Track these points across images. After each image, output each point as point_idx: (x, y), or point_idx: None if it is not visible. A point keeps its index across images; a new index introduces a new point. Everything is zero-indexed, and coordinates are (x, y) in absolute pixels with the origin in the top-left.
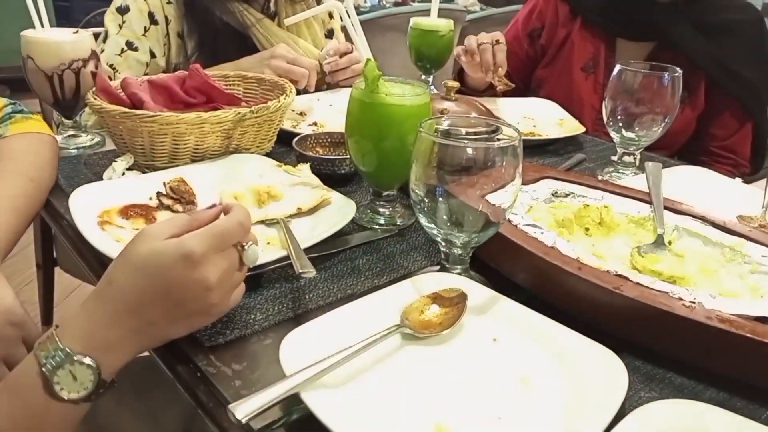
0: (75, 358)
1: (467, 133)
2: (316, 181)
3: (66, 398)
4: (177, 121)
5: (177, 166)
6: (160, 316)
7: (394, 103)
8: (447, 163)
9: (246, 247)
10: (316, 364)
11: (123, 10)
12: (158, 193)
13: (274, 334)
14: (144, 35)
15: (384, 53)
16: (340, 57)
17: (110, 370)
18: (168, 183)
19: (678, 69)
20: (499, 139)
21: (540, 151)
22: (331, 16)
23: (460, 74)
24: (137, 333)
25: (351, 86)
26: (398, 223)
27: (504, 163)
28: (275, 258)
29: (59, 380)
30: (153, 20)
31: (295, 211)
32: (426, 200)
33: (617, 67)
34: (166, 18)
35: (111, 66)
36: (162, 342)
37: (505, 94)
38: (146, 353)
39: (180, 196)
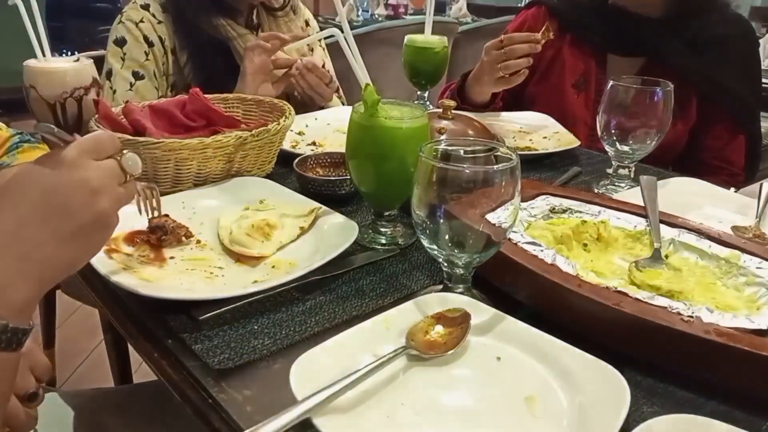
0: None
1: (465, 153)
2: None
3: None
4: (180, 147)
5: (180, 191)
6: (46, 234)
7: (393, 126)
8: (447, 185)
9: (125, 153)
10: (327, 389)
11: (120, 42)
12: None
13: (282, 358)
14: (147, 60)
15: (378, 67)
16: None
17: (12, 311)
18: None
19: (669, 83)
20: (496, 157)
21: (536, 165)
22: (308, 23)
23: (460, 90)
24: (25, 260)
25: (352, 106)
26: (400, 243)
27: (503, 183)
28: (282, 282)
29: None
30: (149, 43)
31: (300, 231)
32: (428, 222)
33: (610, 83)
34: (160, 38)
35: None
36: (61, 271)
37: (503, 108)
38: (155, 378)
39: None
